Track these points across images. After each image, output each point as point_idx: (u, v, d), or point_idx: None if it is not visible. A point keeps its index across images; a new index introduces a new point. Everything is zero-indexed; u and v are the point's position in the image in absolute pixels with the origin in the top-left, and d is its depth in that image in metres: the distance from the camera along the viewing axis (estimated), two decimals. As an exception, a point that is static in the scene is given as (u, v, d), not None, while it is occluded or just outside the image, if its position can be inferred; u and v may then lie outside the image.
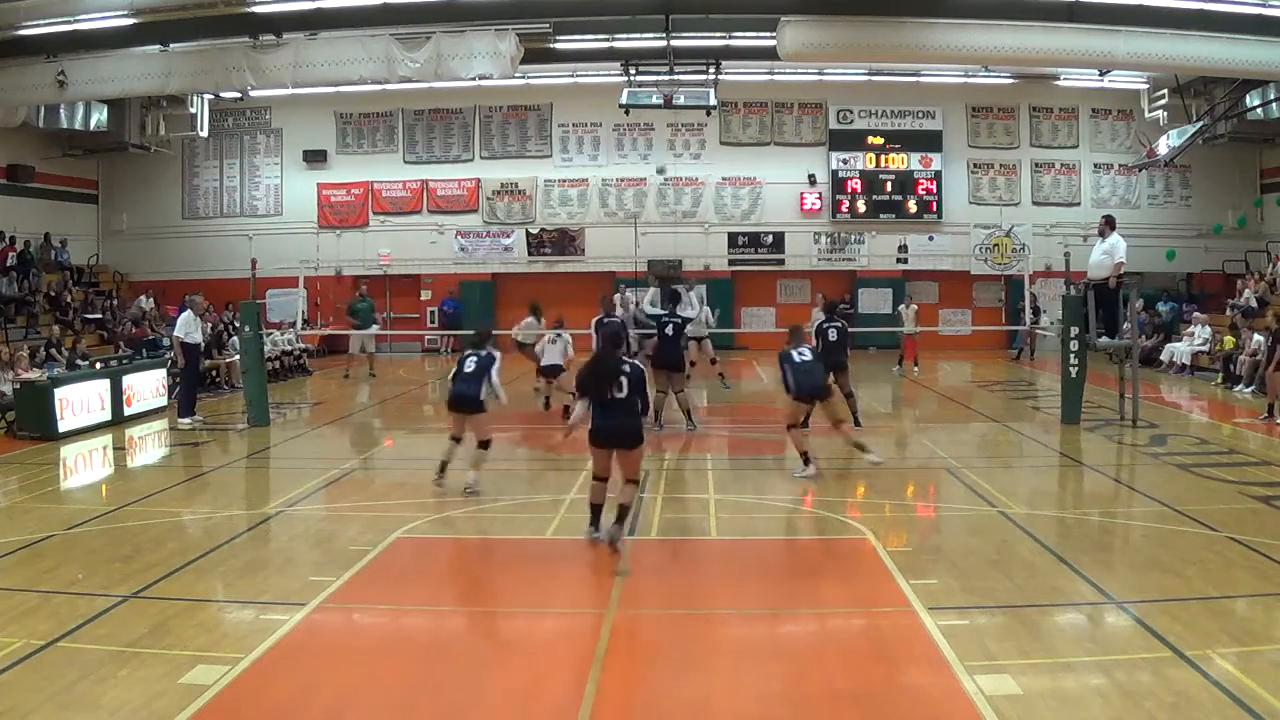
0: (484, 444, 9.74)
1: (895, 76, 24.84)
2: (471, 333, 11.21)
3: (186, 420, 14.40)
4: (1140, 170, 25.24)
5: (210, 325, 18.96)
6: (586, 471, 11.15)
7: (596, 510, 7.94)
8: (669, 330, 13.23)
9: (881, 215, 25.69)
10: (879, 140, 25.68)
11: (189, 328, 14.59)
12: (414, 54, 17.04)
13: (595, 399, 7.68)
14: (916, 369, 20.46)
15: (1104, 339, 13.83)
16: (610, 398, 7.62)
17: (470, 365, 9.73)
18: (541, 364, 14.59)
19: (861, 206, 25.65)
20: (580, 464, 11.69)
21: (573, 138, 26.24)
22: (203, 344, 15.92)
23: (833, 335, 12.90)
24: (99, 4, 16.75)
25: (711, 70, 19.98)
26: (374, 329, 21.43)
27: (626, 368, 7.73)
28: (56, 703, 4.99)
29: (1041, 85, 25.26)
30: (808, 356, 10.49)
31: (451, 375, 9.98)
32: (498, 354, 9.91)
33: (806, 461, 10.32)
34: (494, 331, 10.97)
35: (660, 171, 25.08)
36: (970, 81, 25.17)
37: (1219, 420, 14.72)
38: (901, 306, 21.66)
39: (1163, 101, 23.26)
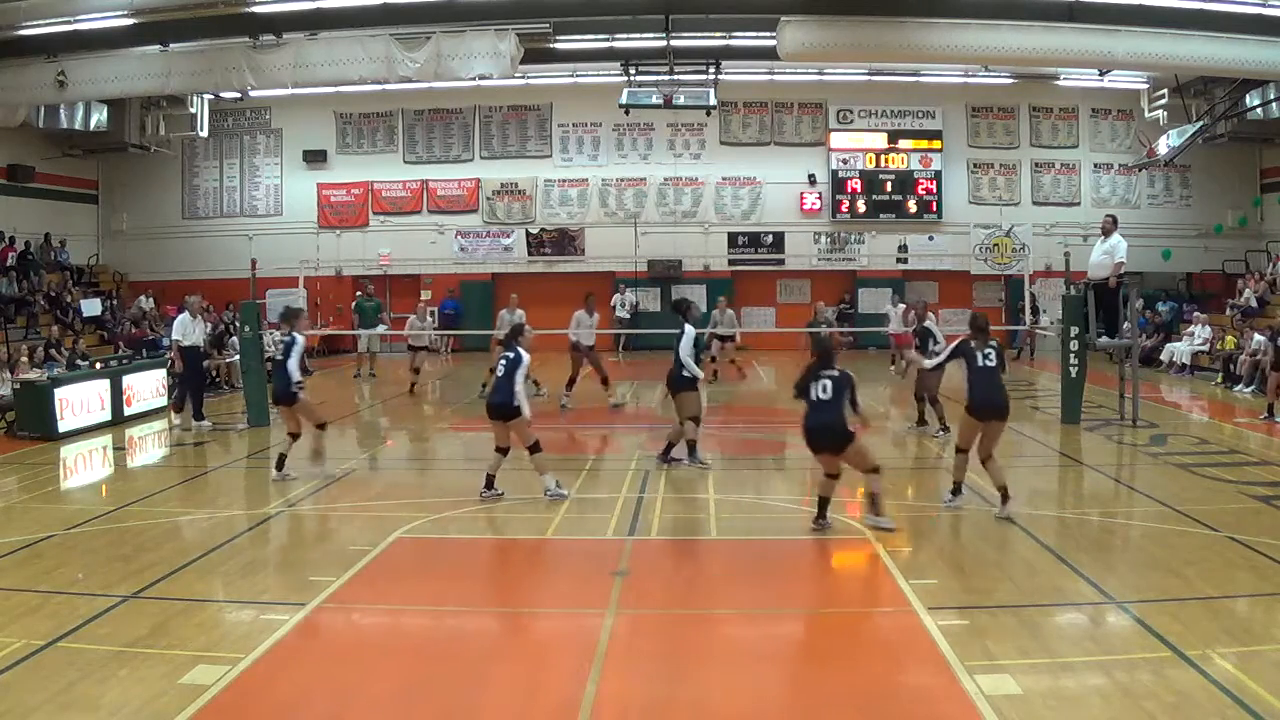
0: (531, 449, 9.24)
1: (895, 76, 24.83)
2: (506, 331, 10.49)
3: (206, 423, 14.18)
4: (1140, 170, 25.24)
5: (210, 325, 18.96)
6: (586, 471, 11.23)
7: (822, 503, 8.29)
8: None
9: (881, 215, 25.70)
10: (879, 140, 25.69)
11: (185, 330, 14.52)
12: (414, 54, 17.05)
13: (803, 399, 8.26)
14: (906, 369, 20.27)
15: (1104, 339, 13.83)
16: (815, 399, 8.12)
17: (501, 367, 9.29)
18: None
19: (861, 206, 25.65)
20: (580, 464, 11.71)
21: (573, 138, 26.24)
22: (202, 345, 15.88)
23: None
24: (99, 4, 16.75)
25: (711, 70, 19.99)
26: (380, 329, 21.45)
27: (834, 372, 8.17)
28: (56, 703, 4.99)
29: (1041, 85, 25.26)
30: (993, 362, 8.67)
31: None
32: (525, 354, 9.27)
33: (957, 490, 9.02)
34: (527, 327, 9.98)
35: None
36: (970, 81, 25.18)
37: (1219, 420, 14.71)
38: (889, 306, 21.62)
39: (1163, 101, 23.25)
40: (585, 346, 15.50)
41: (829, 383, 8.22)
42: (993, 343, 8.80)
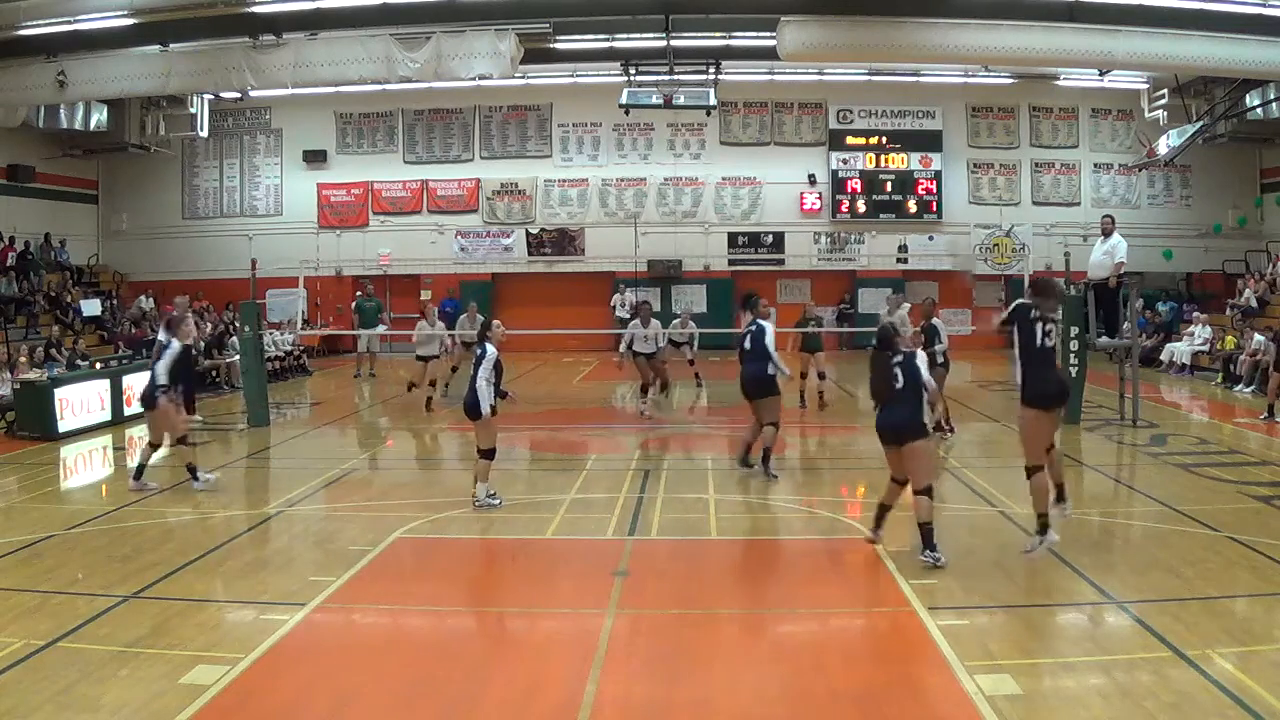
0: (484, 453, 8.99)
1: (895, 76, 24.82)
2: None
3: (195, 418, 14.29)
4: (1140, 170, 25.22)
5: (210, 325, 18.97)
6: (586, 471, 11.23)
7: (881, 510, 7.53)
8: (747, 344, 10.42)
9: (881, 215, 25.67)
10: (879, 140, 25.70)
11: None
12: (414, 54, 17.04)
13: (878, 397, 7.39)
14: None
15: (1104, 339, 13.83)
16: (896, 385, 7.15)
17: (472, 367, 9.18)
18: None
19: (861, 206, 25.63)
20: (579, 464, 11.72)
21: (573, 138, 26.23)
22: (201, 345, 15.89)
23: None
24: (99, 4, 16.74)
25: (711, 70, 19.96)
26: (380, 329, 21.46)
27: (899, 358, 7.26)
28: (56, 703, 4.99)
29: (1041, 85, 25.24)
30: (1053, 340, 7.22)
31: None
32: (493, 349, 9.01)
33: (1044, 528, 7.14)
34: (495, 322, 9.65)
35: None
36: (970, 81, 25.16)
37: (1219, 420, 14.71)
38: (887, 307, 21.54)
39: (1163, 101, 23.23)
40: (648, 354, 15.09)
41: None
42: (1055, 317, 7.31)
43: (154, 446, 10.17)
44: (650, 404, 15.19)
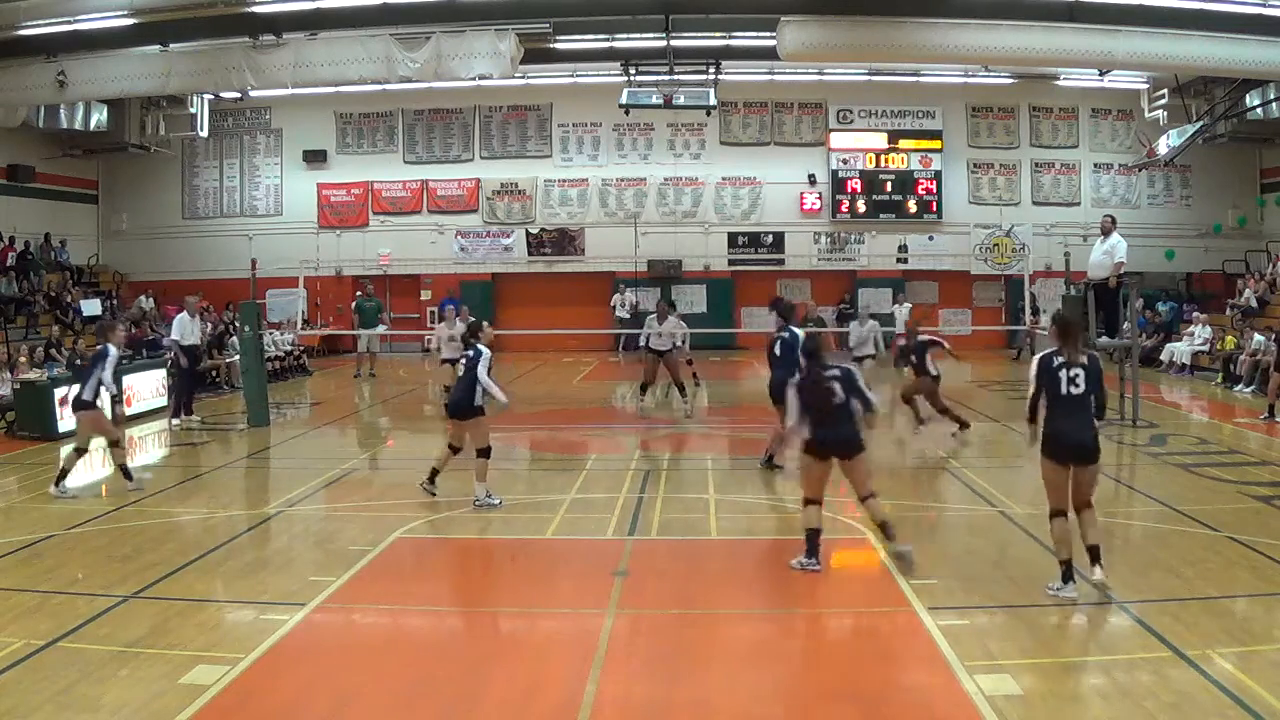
0: (481, 452, 9.09)
1: (895, 76, 24.83)
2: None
3: (176, 421, 14.41)
4: (1140, 170, 25.23)
5: (210, 325, 18.97)
6: (586, 471, 11.22)
7: (817, 535, 7.15)
8: (776, 350, 10.22)
9: (881, 215, 25.69)
10: (879, 140, 25.69)
11: (184, 329, 14.60)
12: (414, 54, 17.03)
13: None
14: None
15: (1104, 339, 13.82)
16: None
17: (462, 367, 9.30)
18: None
19: (861, 206, 25.64)
20: (579, 464, 11.71)
21: (573, 138, 26.24)
22: (201, 344, 15.92)
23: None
24: (99, 4, 16.74)
25: (711, 70, 19.96)
26: (380, 329, 21.44)
27: (835, 372, 6.99)
28: (56, 703, 4.98)
29: (1041, 85, 25.25)
30: (1080, 388, 6.43)
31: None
32: (486, 350, 9.18)
33: (1066, 578, 6.44)
34: (485, 323, 9.96)
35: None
36: (970, 81, 25.17)
37: (1219, 420, 14.71)
38: (895, 306, 21.59)
39: (1163, 101, 23.24)
40: (660, 351, 14.83)
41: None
42: (1084, 360, 6.49)
43: (80, 452, 10.03)
44: (651, 401, 15.16)
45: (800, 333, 10.10)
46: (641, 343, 15.36)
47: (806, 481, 7.25)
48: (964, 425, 12.74)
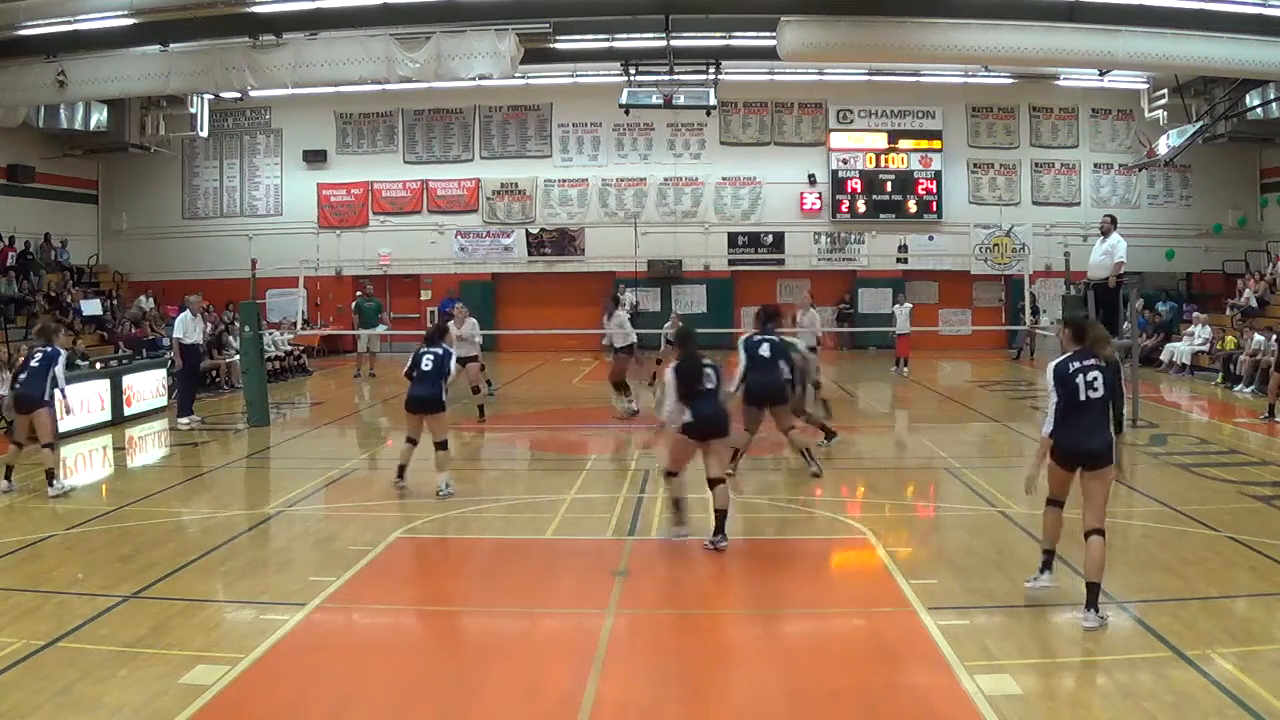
0: (440, 445, 9.52)
1: (895, 76, 24.82)
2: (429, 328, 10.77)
3: (184, 420, 14.39)
4: (1140, 170, 25.23)
5: (210, 325, 18.96)
6: (586, 471, 11.23)
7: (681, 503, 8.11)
8: (764, 351, 10.20)
9: (881, 215, 25.69)
10: (879, 140, 25.69)
11: (186, 328, 14.60)
12: (414, 54, 17.04)
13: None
14: (907, 369, 20.17)
15: (1104, 339, 13.80)
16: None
17: (428, 363, 9.51)
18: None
19: (861, 206, 25.64)
20: (579, 464, 11.72)
21: (573, 138, 26.24)
22: (201, 344, 15.92)
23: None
24: (99, 4, 16.75)
25: (711, 70, 19.98)
26: (380, 329, 21.44)
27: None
28: (56, 703, 4.98)
29: (1041, 85, 25.25)
30: (1099, 392, 6.16)
31: (406, 372, 9.70)
32: (454, 350, 9.74)
33: (1046, 568, 6.46)
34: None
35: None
36: (970, 81, 25.17)
37: (1219, 420, 14.72)
38: (895, 306, 21.61)
39: (1163, 101, 23.24)
40: (620, 349, 14.91)
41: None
42: (1101, 364, 6.17)
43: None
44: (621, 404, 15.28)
45: (776, 338, 10.31)
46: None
47: (674, 459, 8.05)
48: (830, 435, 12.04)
